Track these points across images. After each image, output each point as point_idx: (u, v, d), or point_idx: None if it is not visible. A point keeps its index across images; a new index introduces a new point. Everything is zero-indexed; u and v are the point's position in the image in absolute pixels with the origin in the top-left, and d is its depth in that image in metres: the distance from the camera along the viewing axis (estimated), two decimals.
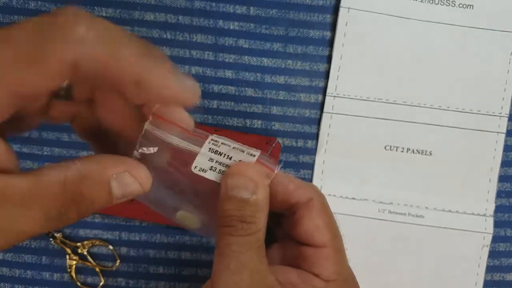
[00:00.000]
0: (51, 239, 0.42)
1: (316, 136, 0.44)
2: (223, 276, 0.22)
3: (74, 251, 0.42)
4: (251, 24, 0.43)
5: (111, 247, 0.43)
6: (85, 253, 0.42)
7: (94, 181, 0.19)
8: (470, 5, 0.43)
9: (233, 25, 0.43)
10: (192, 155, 0.22)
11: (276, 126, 0.43)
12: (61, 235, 0.42)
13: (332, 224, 0.25)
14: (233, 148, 0.22)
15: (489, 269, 0.44)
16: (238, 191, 0.21)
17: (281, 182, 0.24)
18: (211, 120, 0.43)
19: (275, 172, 0.23)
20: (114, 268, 0.43)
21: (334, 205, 0.43)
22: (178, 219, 0.25)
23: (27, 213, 0.17)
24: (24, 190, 0.17)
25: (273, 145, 0.42)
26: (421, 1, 0.43)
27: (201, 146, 0.22)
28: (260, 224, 0.22)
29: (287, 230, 0.25)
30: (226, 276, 0.21)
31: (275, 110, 0.43)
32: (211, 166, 0.22)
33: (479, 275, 0.44)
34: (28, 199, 0.17)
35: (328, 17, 0.43)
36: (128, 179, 0.20)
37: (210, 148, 0.22)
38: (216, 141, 0.22)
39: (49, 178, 0.18)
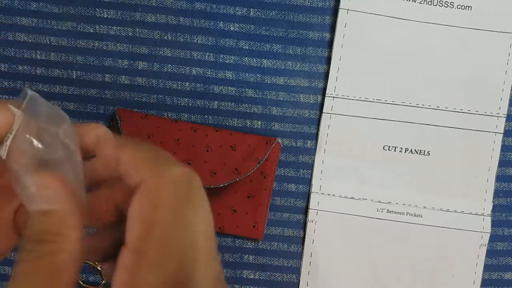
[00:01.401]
0: None
1: (315, 136, 0.44)
2: None
3: None
4: (251, 26, 0.43)
5: None
6: None
7: None
8: (469, 7, 0.44)
9: (234, 27, 0.43)
10: None
11: (276, 126, 0.44)
12: None
13: (152, 220, 0.18)
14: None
15: (487, 268, 0.44)
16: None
17: (109, 148, 0.20)
18: (212, 121, 0.43)
19: None
20: None
21: (333, 205, 0.44)
22: None
23: None
24: None
25: (273, 145, 0.42)
26: (419, 3, 0.43)
27: None
28: None
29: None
30: None
31: (275, 110, 0.44)
32: None
33: (477, 274, 0.44)
34: None
35: (327, 19, 0.44)
36: None
37: None
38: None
39: None
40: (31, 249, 0.17)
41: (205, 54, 0.43)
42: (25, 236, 0.17)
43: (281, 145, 0.43)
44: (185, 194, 0.19)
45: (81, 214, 0.18)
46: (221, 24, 0.43)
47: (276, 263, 0.44)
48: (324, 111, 0.44)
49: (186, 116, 0.43)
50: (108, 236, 0.21)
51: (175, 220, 0.18)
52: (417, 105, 0.44)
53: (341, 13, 0.43)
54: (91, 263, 0.43)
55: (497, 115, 0.44)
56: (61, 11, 0.43)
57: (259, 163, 0.41)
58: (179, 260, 0.18)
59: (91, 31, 0.43)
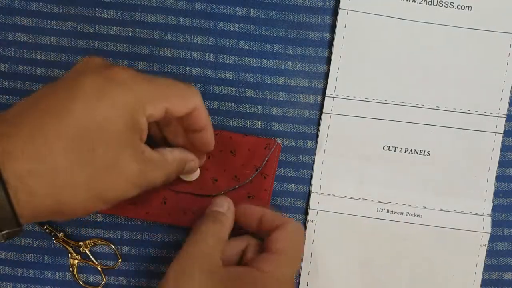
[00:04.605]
0: (53, 238, 0.42)
1: (315, 137, 0.44)
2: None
3: (76, 250, 0.43)
4: (251, 26, 0.43)
5: (112, 246, 0.43)
6: (87, 252, 0.43)
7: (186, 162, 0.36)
8: (469, 7, 0.44)
9: (234, 27, 0.43)
10: None
11: (276, 126, 0.44)
12: (62, 234, 0.42)
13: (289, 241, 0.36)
14: None
15: (487, 268, 0.44)
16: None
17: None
18: (212, 121, 0.43)
19: None
20: (115, 267, 0.43)
21: (333, 205, 0.44)
22: None
23: (157, 172, 0.32)
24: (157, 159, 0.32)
25: (272, 150, 0.42)
26: (419, 3, 0.43)
27: None
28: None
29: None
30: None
31: (275, 110, 0.44)
32: None
33: (477, 274, 0.44)
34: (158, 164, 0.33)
35: (328, 19, 0.44)
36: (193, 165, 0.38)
37: None
38: None
39: (169, 156, 0.34)
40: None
41: (205, 54, 0.43)
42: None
43: (281, 145, 0.44)
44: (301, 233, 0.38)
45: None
46: (221, 24, 0.43)
47: None
48: (324, 111, 0.44)
49: None
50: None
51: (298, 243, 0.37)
52: (417, 105, 0.44)
53: (341, 13, 0.43)
54: (91, 263, 0.43)
55: (497, 115, 0.44)
56: (61, 11, 0.43)
57: (257, 170, 0.41)
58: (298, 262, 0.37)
59: (91, 31, 0.43)
